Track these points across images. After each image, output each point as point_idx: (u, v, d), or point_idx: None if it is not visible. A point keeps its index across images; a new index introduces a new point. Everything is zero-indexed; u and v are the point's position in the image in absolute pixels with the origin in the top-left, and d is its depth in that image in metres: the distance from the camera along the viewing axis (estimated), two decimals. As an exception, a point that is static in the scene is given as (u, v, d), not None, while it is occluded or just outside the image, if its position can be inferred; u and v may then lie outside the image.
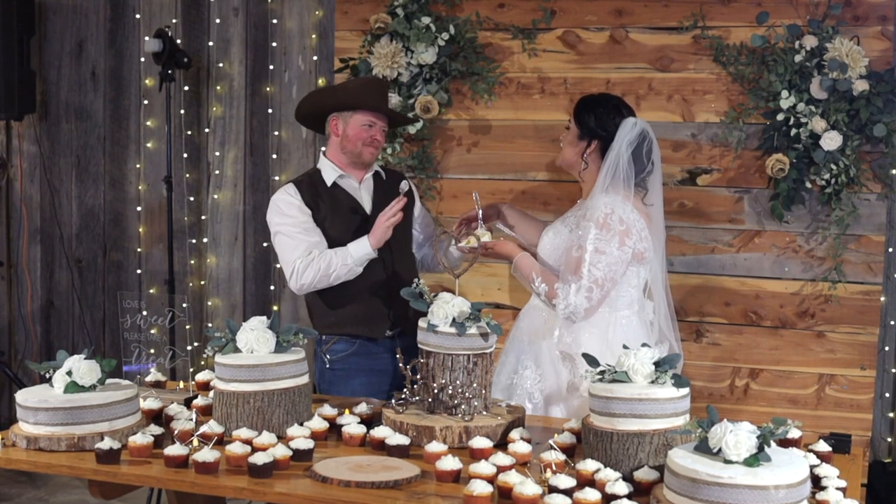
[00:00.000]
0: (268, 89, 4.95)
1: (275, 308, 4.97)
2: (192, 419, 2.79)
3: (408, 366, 2.91)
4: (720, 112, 4.13)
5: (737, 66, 4.08)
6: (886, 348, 4.14)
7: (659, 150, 3.33)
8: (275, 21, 4.91)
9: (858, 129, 3.92)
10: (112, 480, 2.58)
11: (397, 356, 3.02)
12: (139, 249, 5.25)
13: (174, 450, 2.54)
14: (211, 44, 5.02)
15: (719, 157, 4.16)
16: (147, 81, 5.15)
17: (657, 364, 2.55)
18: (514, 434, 2.70)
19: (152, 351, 3.17)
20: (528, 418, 3.00)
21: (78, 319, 5.39)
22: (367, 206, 3.59)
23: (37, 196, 5.40)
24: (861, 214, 4.01)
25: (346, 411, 2.92)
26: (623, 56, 4.24)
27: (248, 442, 2.62)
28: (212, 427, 2.69)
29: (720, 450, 2.19)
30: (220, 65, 5.01)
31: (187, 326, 4.83)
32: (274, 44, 4.92)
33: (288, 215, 3.50)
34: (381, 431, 2.70)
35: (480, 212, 3.41)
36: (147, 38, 4.78)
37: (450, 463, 2.45)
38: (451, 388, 2.79)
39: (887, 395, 4.17)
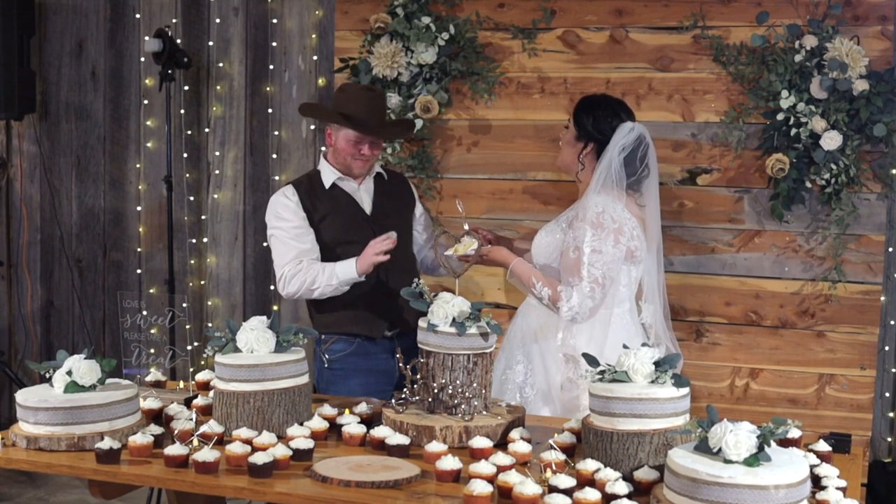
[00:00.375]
0: (268, 89, 4.95)
1: (275, 308, 4.97)
2: (192, 419, 2.79)
3: (408, 366, 2.91)
4: (720, 112, 4.13)
5: (737, 66, 4.08)
6: (886, 348, 4.14)
7: (655, 154, 3.36)
8: (275, 21, 4.91)
9: (858, 129, 3.92)
10: (112, 480, 2.58)
11: (397, 356, 3.02)
12: (139, 249, 5.25)
13: (174, 450, 2.54)
14: (211, 44, 5.02)
15: (719, 156, 4.16)
16: (147, 81, 5.15)
17: (657, 364, 2.55)
18: (514, 434, 2.70)
19: (152, 351, 3.17)
20: (528, 418, 3.00)
21: (78, 319, 5.39)
22: (368, 207, 3.59)
23: (37, 196, 5.40)
24: (861, 214, 4.01)
25: (347, 411, 2.92)
26: (623, 56, 4.24)
27: (248, 442, 2.62)
28: (212, 427, 2.69)
29: (720, 449, 2.19)
30: (220, 65, 5.01)
31: (187, 326, 4.83)
32: (274, 43, 4.92)
33: (283, 218, 3.50)
34: (381, 431, 2.70)
35: (466, 224, 3.38)
36: (147, 38, 4.79)
37: (450, 463, 2.45)
38: (451, 387, 2.79)
39: (887, 394, 4.17)
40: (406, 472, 2.46)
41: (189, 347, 4.69)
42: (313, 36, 4.86)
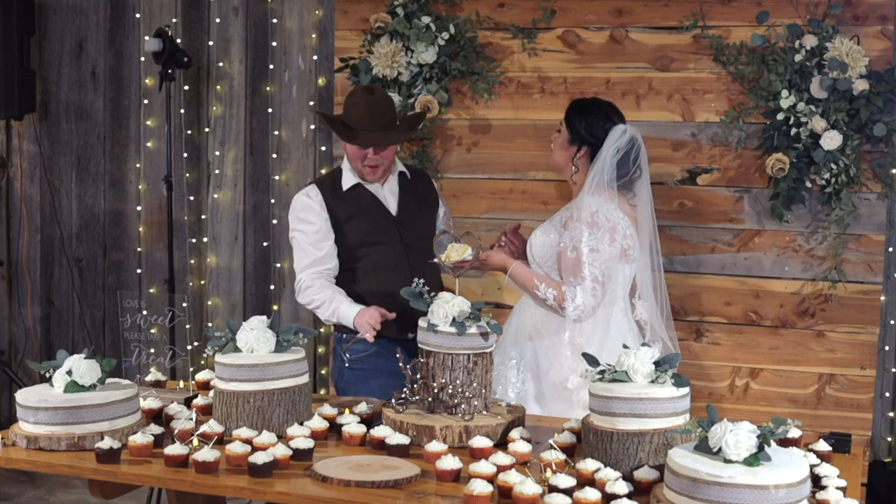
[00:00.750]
0: (268, 89, 4.95)
1: (275, 308, 4.97)
2: (192, 419, 2.79)
3: (408, 365, 2.91)
4: (720, 112, 4.13)
5: (737, 66, 4.08)
6: (886, 348, 4.14)
7: (647, 155, 3.41)
8: (275, 20, 4.91)
9: (858, 129, 3.92)
10: (112, 480, 2.58)
11: (397, 356, 3.02)
12: (139, 249, 5.25)
13: (174, 449, 2.54)
14: (211, 43, 5.02)
15: (719, 156, 4.16)
16: (147, 81, 5.15)
17: (657, 363, 2.55)
18: (514, 433, 2.70)
19: (152, 350, 3.17)
20: (528, 418, 3.00)
21: (78, 319, 5.39)
22: (393, 208, 3.56)
23: (37, 196, 5.40)
24: (861, 214, 4.01)
25: (346, 411, 2.92)
26: (623, 56, 4.24)
27: (248, 441, 2.62)
28: (212, 426, 2.69)
29: (720, 449, 2.19)
30: (220, 64, 5.01)
31: (187, 326, 4.82)
32: (274, 43, 4.91)
33: (304, 221, 3.50)
34: (381, 431, 2.70)
35: (452, 230, 3.36)
36: (147, 38, 4.78)
37: (450, 462, 2.45)
38: (451, 387, 2.79)
39: (887, 394, 4.17)
40: (406, 472, 2.46)
41: (189, 347, 4.68)
42: (313, 36, 4.86)
